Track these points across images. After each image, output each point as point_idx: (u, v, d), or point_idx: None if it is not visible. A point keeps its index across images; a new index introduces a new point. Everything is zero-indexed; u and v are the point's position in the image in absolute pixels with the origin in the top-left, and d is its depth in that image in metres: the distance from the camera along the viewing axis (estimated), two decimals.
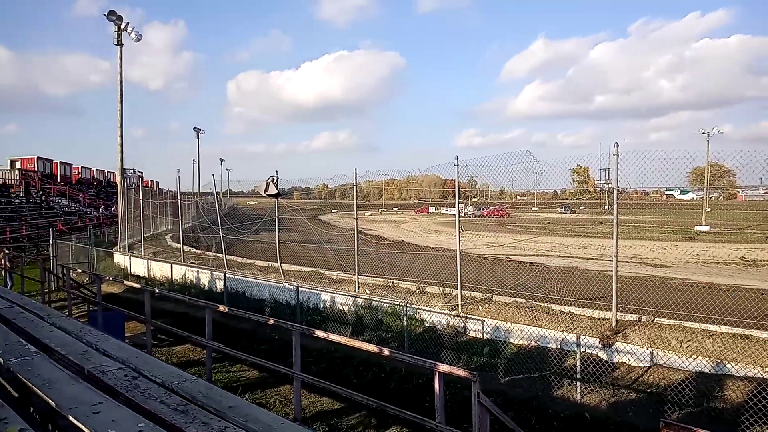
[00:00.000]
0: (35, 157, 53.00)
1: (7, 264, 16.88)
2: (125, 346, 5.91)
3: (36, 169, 51.31)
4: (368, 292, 13.65)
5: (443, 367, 5.43)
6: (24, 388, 4.24)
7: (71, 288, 13.34)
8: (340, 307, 13.06)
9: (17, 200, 39.62)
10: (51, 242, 21.47)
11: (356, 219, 15.61)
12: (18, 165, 51.15)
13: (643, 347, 9.20)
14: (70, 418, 3.19)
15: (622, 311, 10.53)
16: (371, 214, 57.49)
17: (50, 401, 3.42)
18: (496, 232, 39.42)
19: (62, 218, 36.84)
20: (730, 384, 7.77)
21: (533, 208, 66.03)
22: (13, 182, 45.16)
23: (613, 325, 10.06)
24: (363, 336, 11.17)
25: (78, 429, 3.19)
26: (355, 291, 13.79)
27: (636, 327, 10.02)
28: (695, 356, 8.58)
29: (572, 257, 24.90)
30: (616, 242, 10.58)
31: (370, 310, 12.36)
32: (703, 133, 57.55)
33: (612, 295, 10.21)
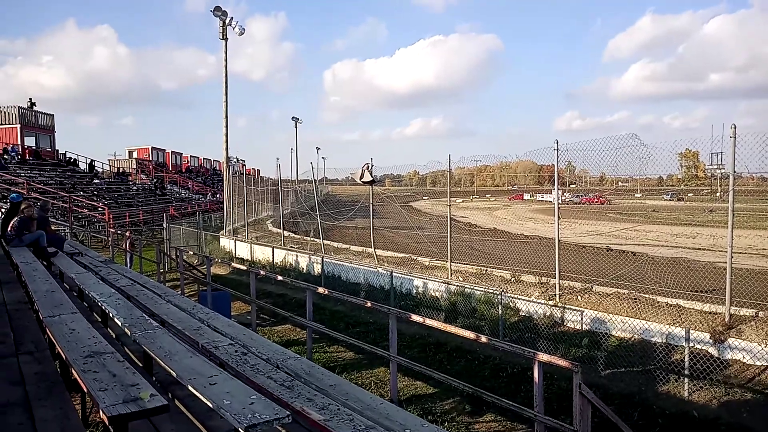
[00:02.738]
0: (150, 147, 57.31)
1: (129, 247, 18.45)
2: (233, 323, 6.31)
3: (150, 159, 55.48)
4: (461, 279, 13.60)
5: (543, 357, 5.33)
6: (148, 358, 4.67)
7: (183, 269, 14.38)
8: (433, 294, 13.13)
9: (134, 187, 43.05)
10: (165, 226, 23.19)
11: (449, 205, 15.60)
12: (135, 155, 55.59)
13: (760, 344, 8.50)
14: (190, 387, 3.48)
15: (736, 305, 9.78)
16: (463, 201, 57.02)
17: (171, 371, 3.73)
18: (595, 220, 37.67)
19: (174, 204, 39.61)
20: None
21: (636, 195, 62.47)
22: (131, 170, 49.16)
23: (726, 319, 9.38)
24: (456, 323, 11.15)
25: (195, 397, 3.48)
26: (447, 278, 13.79)
27: (752, 322, 9.28)
28: None
29: (679, 247, 23.36)
30: (731, 231, 9.81)
31: (463, 298, 12.32)
32: None
33: (725, 288, 9.51)
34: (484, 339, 6.21)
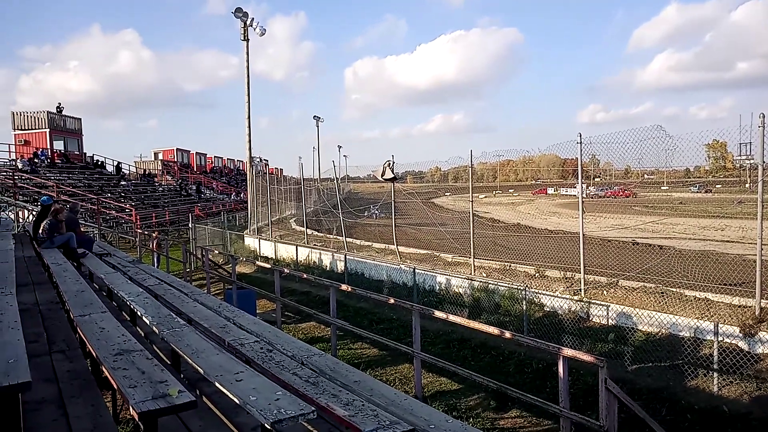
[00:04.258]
0: (174, 148, 58.14)
1: (156, 247, 18.79)
2: (259, 321, 6.41)
3: (175, 160, 56.30)
4: (484, 275, 13.55)
5: (568, 351, 5.30)
6: (175, 355, 4.76)
7: (209, 268, 14.60)
8: (456, 290, 13.11)
9: (160, 188, 43.75)
10: (190, 226, 23.54)
11: (471, 201, 15.51)
12: (160, 156, 56.47)
13: None
14: (216, 384, 3.55)
15: (767, 298, 9.58)
16: (485, 197, 56.59)
17: (199, 368, 3.81)
18: (621, 214, 37.17)
19: (199, 204, 40.16)
20: None
21: (662, 188, 61.35)
22: (157, 171, 49.96)
23: (757, 313, 9.18)
24: (480, 319, 11.12)
25: (221, 393, 3.55)
26: (470, 274, 13.75)
27: None
28: None
29: (707, 240, 22.87)
30: (761, 222, 9.60)
31: (486, 293, 12.28)
32: None
33: (755, 281, 9.32)
34: (508, 335, 6.19)
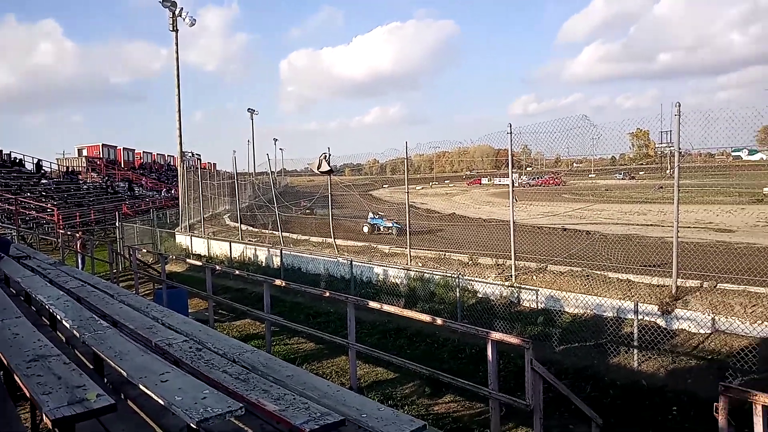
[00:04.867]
0: (100, 144, 55.51)
1: (80, 248, 17.91)
2: (189, 320, 6.26)
3: (101, 156, 53.77)
4: (420, 264, 13.75)
5: (496, 335, 5.47)
6: (98, 359, 4.59)
7: (137, 268, 14.07)
8: (393, 280, 13.24)
9: (85, 186, 41.71)
10: (117, 225, 22.59)
11: (407, 192, 15.68)
12: (84, 152, 53.76)
13: (704, 313, 8.92)
14: (140, 386, 3.45)
15: (682, 277, 10.21)
16: (422, 188, 57.36)
17: (122, 371, 3.69)
18: (551, 201, 38.60)
19: (127, 202, 38.58)
20: None
21: (590, 175, 64.15)
22: (81, 169, 47.55)
23: (673, 291, 9.78)
24: (416, 308, 11.28)
25: (147, 396, 3.46)
26: (407, 264, 13.92)
27: (697, 293, 9.71)
28: (761, 322, 8.26)
29: (631, 224, 24.12)
30: (677, 206, 10.23)
31: (422, 283, 12.47)
32: None
33: (672, 262, 9.94)
34: (439, 321, 6.33)
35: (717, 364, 7.69)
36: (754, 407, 3.69)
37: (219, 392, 3.38)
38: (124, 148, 59.01)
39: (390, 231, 21.48)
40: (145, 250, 18.78)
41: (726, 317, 8.71)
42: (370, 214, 22.97)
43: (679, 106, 9.89)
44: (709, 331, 8.66)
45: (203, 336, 5.22)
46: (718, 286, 9.92)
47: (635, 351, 8.13)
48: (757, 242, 17.21)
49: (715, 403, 3.93)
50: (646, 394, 7.03)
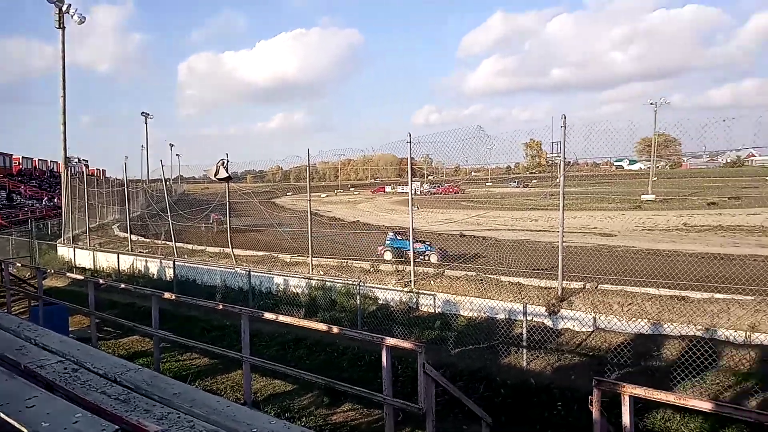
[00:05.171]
0: None
1: None
2: (67, 339, 5.74)
3: None
4: (322, 273, 13.64)
5: (390, 341, 5.49)
6: None
7: (11, 284, 12.82)
8: (294, 290, 13.02)
9: None
10: None
11: (309, 200, 15.52)
12: None
13: (586, 313, 9.53)
14: (1, 414, 3.10)
15: (568, 279, 10.87)
16: (327, 196, 57.26)
17: None
18: (450, 209, 39.92)
19: (2, 211, 35.23)
20: (666, 343, 8.15)
21: (487, 184, 67.15)
22: None
23: (559, 293, 10.37)
24: (317, 317, 11.17)
25: (9, 425, 3.11)
26: (308, 273, 13.75)
27: (581, 294, 10.36)
28: (635, 319, 8.94)
29: (523, 230, 25.46)
30: (563, 213, 10.91)
31: (323, 291, 12.37)
32: (651, 103, 59.75)
33: (558, 265, 10.56)
34: (336, 330, 6.27)
35: (598, 360, 8.22)
36: (622, 397, 4.01)
37: (94, 416, 3.11)
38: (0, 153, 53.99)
39: (426, 257, 14.96)
40: (20, 264, 17.20)
41: (606, 316, 9.36)
42: (390, 234, 17.11)
43: (564, 118, 10.58)
44: (591, 329, 9.25)
45: (82, 355, 4.81)
46: (599, 287, 10.65)
47: (524, 351, 8.50)
48: (635, 245, 18.76)
49: (589, 397, 4.19)
50: (534, 392, 7.35)
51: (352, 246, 18.03)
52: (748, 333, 7.92)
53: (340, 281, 12.21)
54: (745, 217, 26.79)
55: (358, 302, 10.88)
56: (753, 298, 9.26)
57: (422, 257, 14.71)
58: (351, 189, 75.20)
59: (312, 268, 13.95)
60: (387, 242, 16.53)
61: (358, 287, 11.15)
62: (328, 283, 12.41)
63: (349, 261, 14.40)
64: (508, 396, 7.32)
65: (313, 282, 12.86)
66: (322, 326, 6.60)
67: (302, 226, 21.01)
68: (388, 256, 15.69)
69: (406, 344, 5.48)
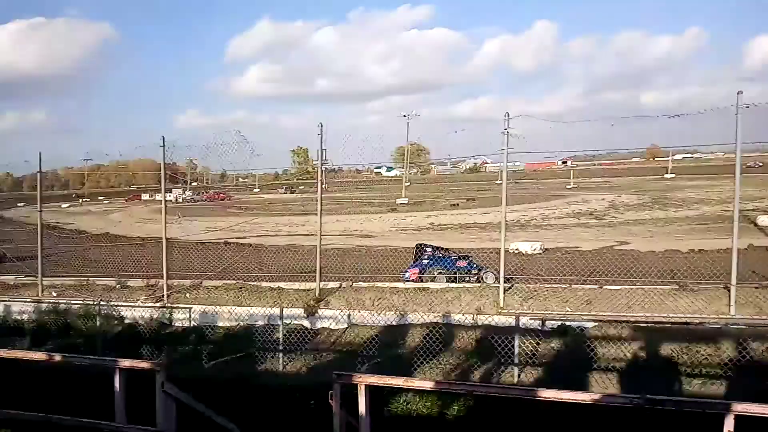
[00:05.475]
0: None
1: None
2: None
3: None
4: (56, 294, 11.90)
5: (125, 363, 4.95)
6: None
7: None
8: (17, 317, 11.10)
9: None
10: None
11: (40, 211, 13.52)
12: None
13: (342, 310, 9.91)
14: None
15: (326, 280, 11.22)
16: (70, 206, 50.69)
17: None
18: (216, 216, 38.56)
19: None
20: (410, 331, 8.87)
21: (254, 190, 66.58)
22: None
23: (317, 294, 10.63)
24: (47, 346, 9.63)
25: None
26: (38, 295, 11.89)
27: (337, 293, 10.77)
28: (384, 312, 9.57)
29: (291, 235, 25.79)
30: (320, 217, 11.36)
31: (57, 315, 10.76)
32: (404, 115, 65.94)
33: (316, 267, 10.84)
34: (58, 357, 5.47)
35: (351, 354, 8.56)
36: (359, 387, 4.26)
37: None
38: None
39: (482, 278, 11.62)
40: None
41: (359, 311, 9.84)
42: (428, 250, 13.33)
43: (321, 126, 11.09)
44: (346, 326, 9.63)
45: None
46: (354, 285, 11.22)
47: (280, 355, 8.45)
48: (390, 244, 20.28)
49: (330, 391, 4.32)
50: (290, 393, 7.32)
51: (96, 261, 16.17)
52: (474, 316, 9.04)
53: (78, 302, 10.78)
54: (479, 216, 31.03)
55: (98, 324, 9.68)
56: (479, 285, 10.68)
57: (469, 276, 11.74)
58: (100, 198, 67.89)
59: (42, 290, 12.07)
60: (425, 261, 12.86)
61: (99, 307, 9.94)
62: (63, 306, 10.84)
63: (91, 278, 12.84)
64: (266, 402, 7.17)
65: (44, 306, 11.13)
66: (41, 355, 5.66)
67: (34, 243, 18.16)
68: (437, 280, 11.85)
69: (144, 364, 5.01)
